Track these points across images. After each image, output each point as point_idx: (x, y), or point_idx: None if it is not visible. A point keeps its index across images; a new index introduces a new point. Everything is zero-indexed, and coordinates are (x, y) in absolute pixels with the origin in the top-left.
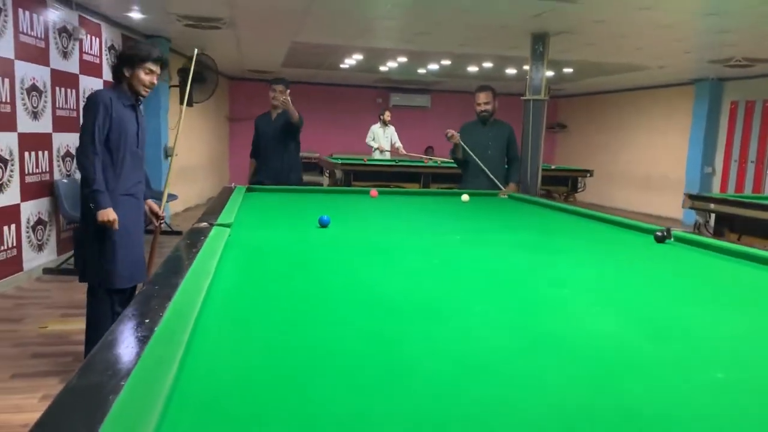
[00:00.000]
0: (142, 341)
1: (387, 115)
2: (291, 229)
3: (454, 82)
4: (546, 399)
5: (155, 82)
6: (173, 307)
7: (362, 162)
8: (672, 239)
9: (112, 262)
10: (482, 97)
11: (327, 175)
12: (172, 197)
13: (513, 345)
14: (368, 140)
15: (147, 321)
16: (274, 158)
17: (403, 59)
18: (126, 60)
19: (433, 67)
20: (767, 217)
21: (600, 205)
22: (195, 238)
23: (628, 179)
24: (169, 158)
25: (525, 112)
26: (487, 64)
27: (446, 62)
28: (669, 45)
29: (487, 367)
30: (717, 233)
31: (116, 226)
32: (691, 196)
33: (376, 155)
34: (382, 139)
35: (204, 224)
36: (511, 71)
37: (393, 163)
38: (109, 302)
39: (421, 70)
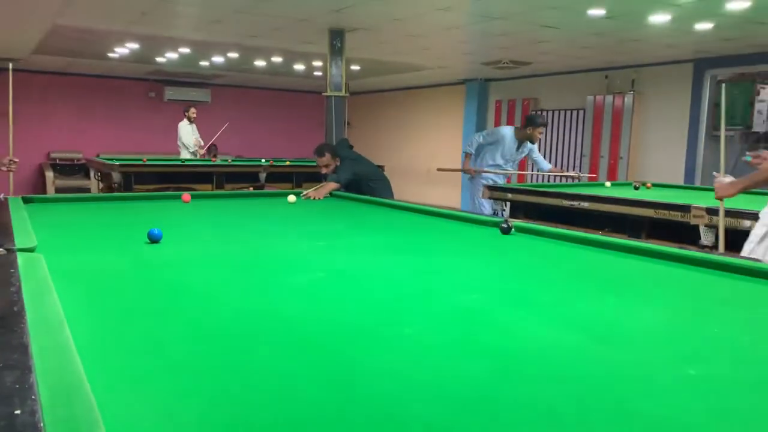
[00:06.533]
0: None
1: (192, 112)
2: (118, 248)
3: (238, 76)
4: None
5: None
6: (45, 385)
7: (141, 162)
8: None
9: None
10: (320, 161)
11: (98, 178)
12: None
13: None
14: (185, 141)
15: (18, 413)
16: None
17: (185, 50)
18: None
19: (219, 59)
20: (547, 201)
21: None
22: (0, 272)
23: (411, 174)
24: None
25: (327, 108)
26: (277, 59)
27: (233, 55)
28: (454, 46)
29: None
30: (513, 218)
31: None
32: (489, 188)
33: (185, 155)
34: (191, 138)
35: None
36: (299, 67)
37: (179, 162)
38: None
39: (204, 63)
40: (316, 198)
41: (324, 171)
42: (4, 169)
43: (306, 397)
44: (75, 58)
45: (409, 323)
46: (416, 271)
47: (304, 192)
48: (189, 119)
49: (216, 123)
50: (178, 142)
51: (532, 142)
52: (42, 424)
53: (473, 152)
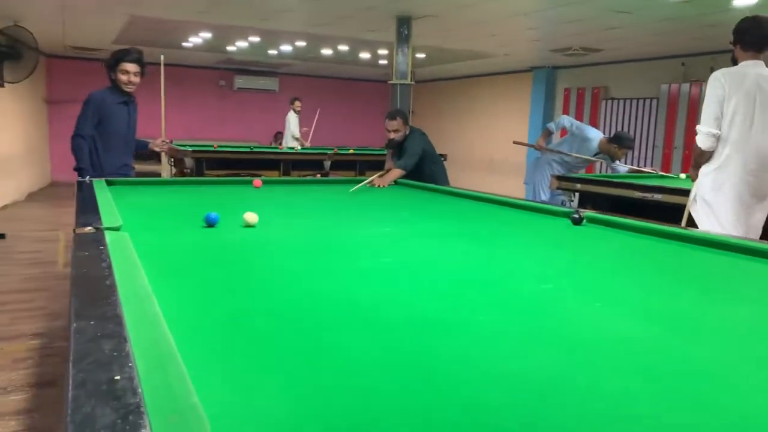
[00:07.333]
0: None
1: (297, 105)
2: (195, 228)
3: (305, 65)
4: None
5: (132, 80)
6: (140, 354)
7: (212, 149)
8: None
9: None
10: (390, 124)
11: (171, 163)
12: None
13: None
14: (293, 130)
15: (117, 378)
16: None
17: (255, 39)
18: (107, 65)
19: (286, 48)
20: (618, 193)
21: None
22: (92, 249)
23: (472, 163)
24: None
25: (392, 96)
26: (343, 48)
27: (301, 43)
28: (521, 33)
29: None
30: (581, 208)
31: None
32: (558, 177)
33: (291, 144)
34: (298, 129)
35: (88, 228)
36: (365, 55)
37: (248, 149)
38: None
39: (272, 51)
40: (381, 186)
41: (392, 136)
42: (157, 149)
43: (383, 379)
44: (152, 47)
45: (482, 311)
46: (486, 258)
47: (369, 179)
48: (295, 111)
49: (284, 112)
50: (286, 132)
51: (612, 160)
52: (140, 390)
53: (554, 131)
